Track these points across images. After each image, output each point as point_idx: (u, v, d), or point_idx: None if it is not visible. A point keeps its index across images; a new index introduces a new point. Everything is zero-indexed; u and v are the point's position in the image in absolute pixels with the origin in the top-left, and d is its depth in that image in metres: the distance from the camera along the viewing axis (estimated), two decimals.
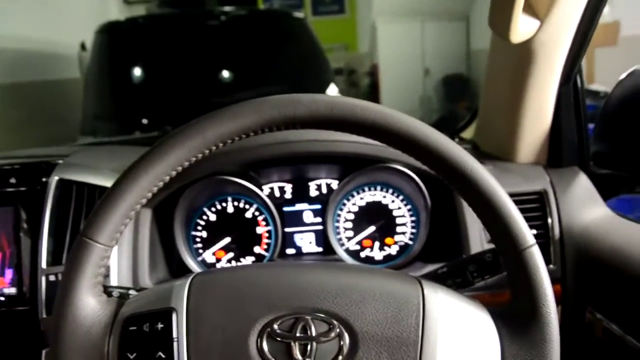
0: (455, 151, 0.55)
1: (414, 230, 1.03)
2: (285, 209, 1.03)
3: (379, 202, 1.03)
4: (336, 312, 0.53)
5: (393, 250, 1.03)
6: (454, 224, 0.96)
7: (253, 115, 0.55)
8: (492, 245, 0.94)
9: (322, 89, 3.83)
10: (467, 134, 1.27)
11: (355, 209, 1.03)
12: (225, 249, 1.00)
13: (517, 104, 0.94)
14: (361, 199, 1.03)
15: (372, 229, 1.03)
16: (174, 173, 0.55)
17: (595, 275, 0.90)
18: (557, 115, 0.96)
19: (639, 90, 1.02)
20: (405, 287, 0.56)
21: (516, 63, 0.90)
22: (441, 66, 5.78)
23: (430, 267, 0.93)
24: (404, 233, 1.03)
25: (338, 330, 0.52)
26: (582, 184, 0.99)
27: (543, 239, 0.95)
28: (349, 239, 1.03)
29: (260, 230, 1.01)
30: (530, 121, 0.96)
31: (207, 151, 0.55)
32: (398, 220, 1.03)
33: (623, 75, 1.05)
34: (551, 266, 0.95)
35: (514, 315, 0.56)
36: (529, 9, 0.80)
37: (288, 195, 1.04)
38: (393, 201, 1.03)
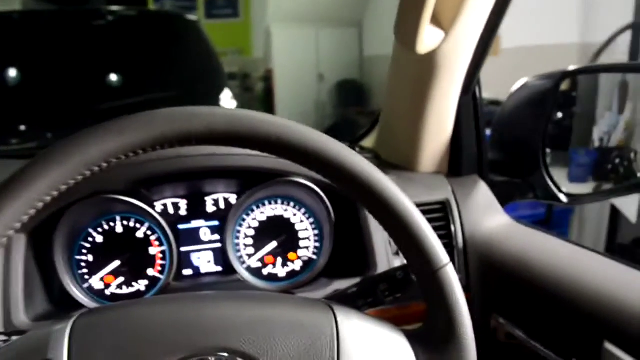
0: (366, 170, 0.52)
1: (317, 244, 0.99)
2: (181, 226, 0.95)
3: (280, 217, 0.98)
4: (243, 350, 0.48)
5: (297, 265, 0.99)
6: (359, 237, 0.93)
7: (143, 131, 0.48)
8: (399, 260, 0.93)
9: (215, 94, 3.73)
10: (367, 142, 1.25)
11: (256, 224, 0.97)
12: (115, 273, 0.91)
13: (419, 114, 0.94)
14: (261, 213, 0.97)
15: (274, 244, 0.98)
16: (48, 198, 0.47)
17: (498, 282, 0.91)
18: (457, 125, 0.97)
19: (527, 101, 1.06)
20: (317, 316, 0.51)
21: (419, 73, 0.89)
22: (335, 72, 5.87)
23: (336, 284, 0.90)
24: (307, 247, 0.99)
25: None
26: (482, 192, 1.00)
27: (447, 248, 0.95)
28: (250, 256, 0.97)
29: (153, 251, 0.92)
30: (432, 131, 0.96)
31: (88, 172, 0.48)
32: (301, 235, 0.99)
33: (514, 87, 1.09)
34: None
35: (431, 338, 0.54)
36: (434, 21, 0.79)
37: (183, 212, 0.96)
38: (295, 214, 0.98)
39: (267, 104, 5.87)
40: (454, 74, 0.89)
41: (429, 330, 0.54)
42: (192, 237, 0.95)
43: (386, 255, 0.91)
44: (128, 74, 3.42)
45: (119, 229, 0.91)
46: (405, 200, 0.53)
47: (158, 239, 0.92)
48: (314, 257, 0.99)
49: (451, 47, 0.85)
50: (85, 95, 2.92)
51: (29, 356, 0.46)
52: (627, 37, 2.76)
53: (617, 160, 1.60)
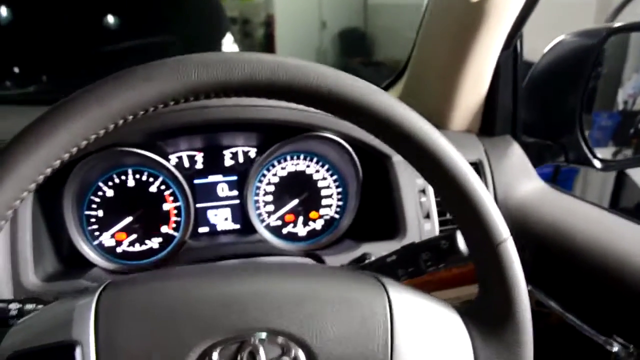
0: (431, 136, 0.47)
1: (340, 203, 0.94)
2: (197, 181, 0.89)
3: (302, 172, 0.92)
4: (289, 330, 0.43)
5: (318, 225, 0.94)
6: (388, 198, 0.88)
7: (173, 79, 0.42)
8: (429, 224, 0.88)
9: (217, 39, 3.60)
10: (391, 93, 1.18)
11: (276, 180, 0.91)
12: (127, 230, 0.85)
13: (457, 67, 0.87)
14: (282, 169, 0.91)
15: (295, 202, 0.92)
16: (66, 156, 0.41)
17: (532, 249, 0.86)
18: (494, 81, 0.90)
19: (564, 60, 0.99)
20: (368, 293, 0.47)
21: (463, 22, 0.81)
22: (338, 20, 5.68)
23: (363, 247, 0.85)
24: (329, 206, 0.94)
25: (293, 353, 0.42)
26: (516, 154, 0.95)
27: None
28: (270, 213, 0.92)
29: (167, 206, 0.87)
30: (468, 86, 0.89)
31: (112, 126, 0.42)
32: (323, 192, 0.94)
33: (549, 46, 1.02)
34: None
35: (486, 316, 0.49)
36: None
37: (199, 166, 0.90)
38: (317, 171, 0.93)
39: (267, 50, 5.71)
40: (500, 26, 0.81)
41: (484, 308, 0.50)
42: (209, 192, 0.89)
43: (417, 219, 0.86)
44: (125, 15, 3.28)
45: (131, 182, 0.85)
46: (467, 170, 0.48)
47: (172, 194, 0.86)
48: (337, 216, 0.94)
49: None
50: (81, 36, 2.80)
51: (51, 334, 0.40)
52: None
53: None
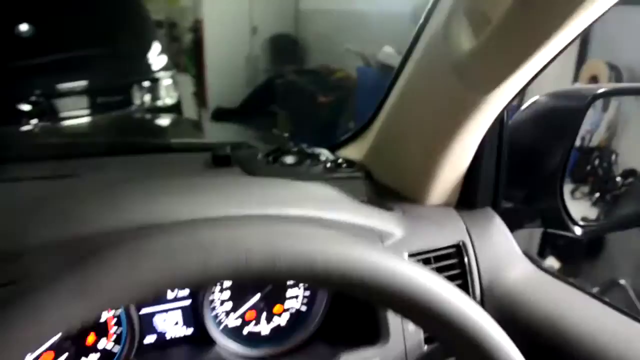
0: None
1: (307, 293, 0.83)
2: None
3: None
4: None
5: (283, 320, 0.82)
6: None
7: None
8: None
9: (144, 49, 3.37)
10: (348, 152, 1.07)
11: None
12: (55, 348, 0.70)
13: (444, 144, 0.77)
14: None
15: (256, 297, 0.80)
16: None
17: (521, 346, 0.78)
18: (478, 152, 0.81)
19: (544, 123, 0.93)
20: None
21: (455, 99, 0.70)
22: (269, 25, 5.53)
23: (338, 357, 0.73)
24: (295, 297, 0.82)
25: None
26: (500, 231, 0.86)
27: None
28: (228, 313, 0.79)
29: (104, 315, 0.72)
30: (452, 161, 0.80)
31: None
32: (288, 281, 0.82)
33: (524, 106, 0.96)
34: None
35: None
36: None
37: None
38: None
39: (195, 56, 5.47)
40: (496, 104, 0.72)
41: None
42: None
43: (399, 320, 0.76)
44: (41, 22, 3.02)
45: None
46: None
47: None
48: (303, 308, 0.82)
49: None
50: None
51: None
52: None
53: (597, 162, 1.53)
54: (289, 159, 1.03)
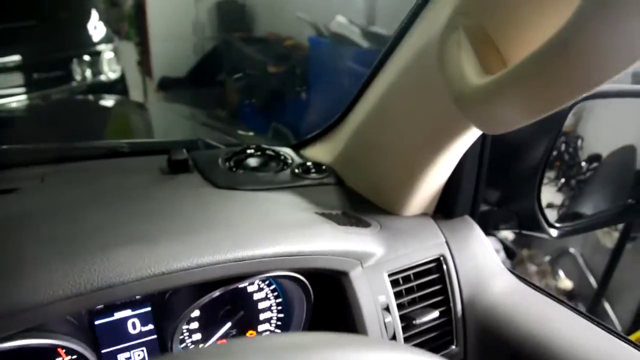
0: None
1: (281, 315, 0.77)
2: (98, 322, 0.67)
3: (235, 289, 0.74)
4: None
5: None
6: (346, 318, 0.73)
7: None
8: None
9: (81, 18, 3.16)
10: (313, 152, 1.01)
11: (203, 302, 0.72)
12: None
13: (427, 158, 0.72)
14: None
15: (227, 325, 0.74)
16: None
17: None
18: (459, 163, 0.76)
19: (524, 127, 0.89)
20: None
21: (448, 114, 0.64)
22: None
23: None
24: (268, 320, 0.77)
25: None
26: (479, 242, 0.83)
27: (444, 317, 0.78)
28: (197, 344, 0.73)
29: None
30: (434, 172, 0.75)
31: None
32: (260, 305, 0.76)
33: None
34: (453, 347, 0.79)
35: None
36: None
37: None
38: (252, 283, 0.75)
39: (138, 23, 5.20)
40: None
41: None
42: (116, 332, 0.68)
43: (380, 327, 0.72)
44: None
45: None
46: None
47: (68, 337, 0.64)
48: (278, 331, 0.77)
49: None
50: None
51: None
52: None
53: (563, 147, 1.51)
54: (252, 162, 0.96)
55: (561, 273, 2.41)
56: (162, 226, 0.63)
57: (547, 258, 2.50)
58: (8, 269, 0.52)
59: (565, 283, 2.21)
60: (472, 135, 0.67)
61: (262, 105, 3.95)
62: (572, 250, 2.53)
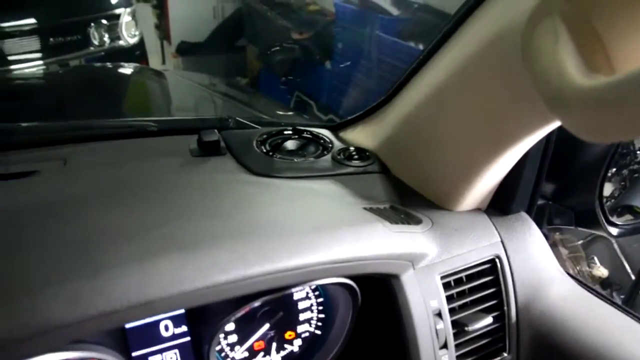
0: None
1: (322, 316, 0.72)
2: (129, 325, 0.62)
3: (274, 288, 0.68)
4: None
5: (295, 346, 0.72)
6: (395, 323, 0.67)
7: None
8: (447, 356, 0.68)
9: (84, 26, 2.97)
10: (352, 135, 0.94)
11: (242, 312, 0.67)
12: None
13: (494, 147, 0.64)
14: None
15: (265, 326, 0.69)
16: None
17: None
18: (523, 156, 0.69)
19: None
20: None
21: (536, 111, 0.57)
22: None
23: None
24: (309, 320, 0.72)
25: None
26: (537, 242, 0.76)
27: (498, 322, 0.73)
28: (233, 346, 0.68)
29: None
30: (495, 168, 0.68)
31: None
32: (300, 305, 0.71)
33: None
34: (505, 355, 0.73)
35: None
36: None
37: None
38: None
39: (161, 7, 5.01)
40: None
41: None
42: (148, 335, 0.63)
43: (432, 350, 0.67)
44: None
45: None
46: None
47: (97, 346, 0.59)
48: (318, 332, 0.72)
49: None
50: None
51: None
52: None
53: None
54: (289, 145, 0.90)
55: (596, 259, 2.32)
56: (202, 227, 0.57)
57: (580, 242, 2.41)
58: (32, 280, 0.46)
59: (601, 271, 2.13)
60: (545, 132, 0.60)
61: (285, 74, 3.83)
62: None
